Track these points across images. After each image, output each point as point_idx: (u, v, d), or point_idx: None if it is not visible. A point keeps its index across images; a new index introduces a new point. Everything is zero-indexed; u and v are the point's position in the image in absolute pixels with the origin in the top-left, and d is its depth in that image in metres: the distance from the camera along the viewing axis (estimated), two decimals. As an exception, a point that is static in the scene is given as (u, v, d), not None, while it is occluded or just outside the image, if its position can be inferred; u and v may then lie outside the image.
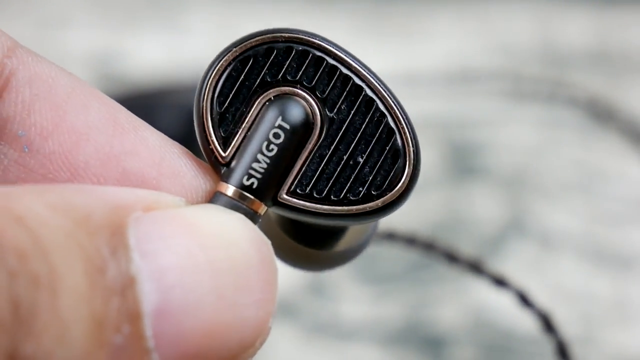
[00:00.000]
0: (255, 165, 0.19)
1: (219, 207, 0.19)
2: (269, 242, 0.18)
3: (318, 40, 0.20)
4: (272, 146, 0.19)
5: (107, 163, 0.19)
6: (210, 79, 0.20)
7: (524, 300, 0.28)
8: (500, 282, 0.29)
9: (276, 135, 0.19)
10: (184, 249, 0.16)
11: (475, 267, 0.29)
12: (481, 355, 0.42)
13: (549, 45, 0.65)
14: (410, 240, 0.29)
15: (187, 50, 0.66)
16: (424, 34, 0.67)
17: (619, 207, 0.50)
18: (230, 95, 0.20)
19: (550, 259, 0.47)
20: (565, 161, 0.54)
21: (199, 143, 0.20)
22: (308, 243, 0.22)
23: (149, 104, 0.55)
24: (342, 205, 0.19)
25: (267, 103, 0.20)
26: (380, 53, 0.64)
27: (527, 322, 0.44)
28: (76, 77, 0.20)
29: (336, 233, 0.23)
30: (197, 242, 0.16)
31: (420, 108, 0.59)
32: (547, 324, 0.28)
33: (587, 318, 0.44)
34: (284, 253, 0.22)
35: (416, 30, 0.67)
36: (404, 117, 0.20)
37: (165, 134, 0.20)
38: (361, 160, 0.20)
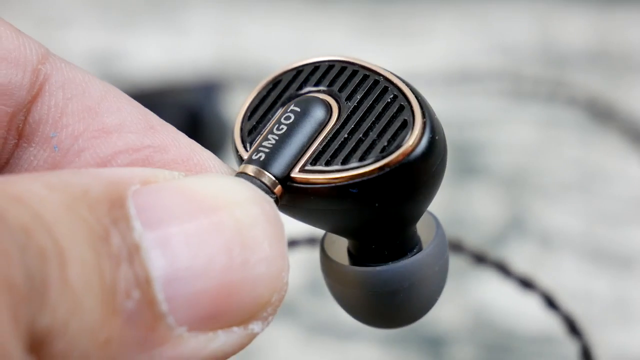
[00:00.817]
0: (264, 142, 0.20)
1: (217, 174, 0.19)
2: (271, 200, 0.18)
3: (343, 57, 0.21)
4: (282, 126, 0.20)
5: (135, 157, 0.19)
6: (246, 100, 0.22)
7: (550, 302, 0.28)
8: (526, 284, 0.28)
9: (287, 118, 0.20)
10: (186, 213, 0.16)
11: (502, 269, 0.29)
12: (481, 355, 0.42)
13: (549, 45, 0.65)
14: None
15: (187, 50, 0.66)
16: (424, 34, 0.67)
17: (619, 207, 0.50)
18: (259, 109, 0.21)
19: (550, 259, 0.47)
20: (565, 161, 0.54)
21: (234, 156, 0.21)
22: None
23: (149, 104, 0.55)
24: (351, 171, 0.19)
25: (288, 106, 0.21)
26: (380, 53, 0.64)
27: (527, 322, 0.44)
28: (108, 83, 0.20)
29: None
30: (199, 206, 0.16)
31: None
32: (573, 327, 0.28)
33: (587, 318, 0.44)
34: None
35: (416, 30, 0.67)
36: (417, 97, 0.20)
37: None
38: (371, 133, 0.20)
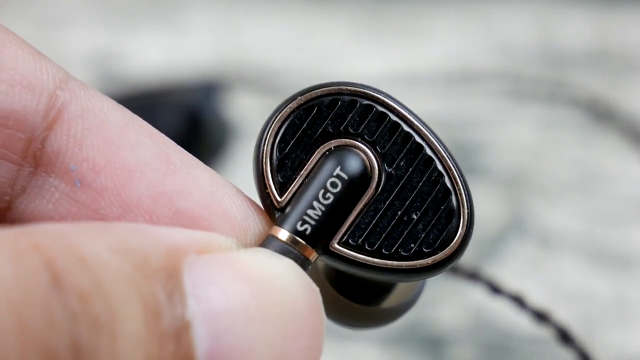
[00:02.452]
0: (310, 211, 0.19)
1: (270, 252, 0.19)
2: (317, 289, 0.18)
3: (382, 96, 0.20)
4: (328, 194, 0.20)
5: (159, 201, 0.19)
6: (273, 124, 0.20)
7: (565, 336, 0.28)
8: (542, 316, 0.29)
9: (333, 185, 0.20)
10: (236, 294, 0.16)
11: (519, 301, 0.29)
12: (481, 355, 0.42)
13: (549, 45, 0.65)
14: None
15: (187, 50, 0.66)
16: (424, 34, 0.67)
17: (619, 207, 0.50)
18: (292, 142, 0.20)
19: (550, 259, 0.47)
20: (565, 161, 0.54)
21: (256, 187, 0.20)
22: (355, 298, 0.22)
23: (149, 104, 0.55)
24: (393, 260, 0.20)
25: (327, 152, 0.20)
26: (380, 53, 0.64)
27: (527, 322, 0.44)
28: (128, 112, 0.20)
29: (384, 289, 0.23)
30: (249, 288, 0.16)
31: (420, 108, 0.59)
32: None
33: (587, 318, 0.44)
34: (328, 307, 0.22)
35: (416, 30, 0.67)
36: (461, 178, 0.20)
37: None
38: (415, 217, 0.20)
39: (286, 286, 0.17)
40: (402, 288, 0.23)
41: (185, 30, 0.68)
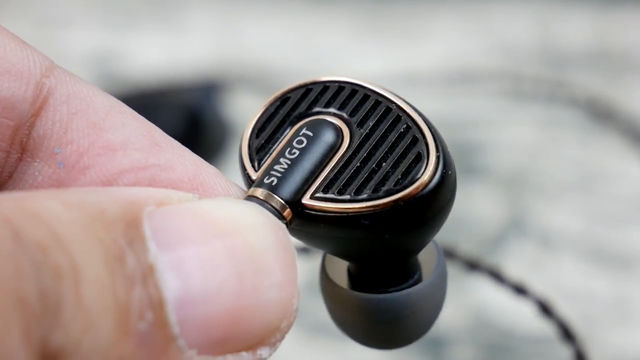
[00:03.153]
0: (276, 167, 0.20)
1: (231, 198, 0.19)
2: (284, 226, 0.18)
3: (353, 79, 0.21)
4: (294, 150, 0.20)
5: (140, 175, 0.19)
6: (254, 116, 0.21)
7: (545, 308, 0.28)
8: (520, 290, 0.28)
9: (299, 142, 0.20)
10: (200, 236, 0.16)
11: (496, 275, 0.29)
12: (481, 355, 0.42)
13: (549, 45, 0.65)
14: None
15: (187, 50, 0.66)
16: (424, 34, 0.67)
17: (619, 207, 0.50)
18: (267, 127, 0.21)
19: (550, 259, 0.47)
20: (565, 161, 0.54)
21: (240, 173, 0.21)
22: (374, 285, 0.22)
23: (149, 104, 0.55)
24: (364, 202, 0.19)
25: (299, 128, 0.20)
26: (380, 53, 0.64)
27: (526, 322, 0.44)
28: (113, 97, 0.20)
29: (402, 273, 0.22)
30: (212, 230, 0.16)
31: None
32: (567, 333, 0.28)
33: (587, 318, 0.44)
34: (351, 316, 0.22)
35: (416, 30, 0.67)
36: (430, 129, 0.20)
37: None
38: (385, 165, 0.20)
39: (251, 223, 0.17)
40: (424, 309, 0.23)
41: (185, 30, 0.68)
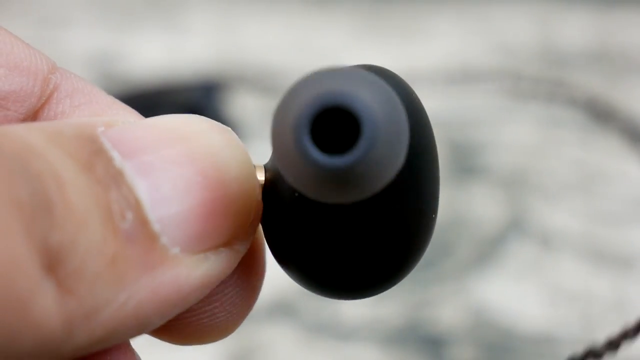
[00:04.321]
0: None
1: (172, 114, 0.20)
2: (230, 129, 0.19)
3: None
4: None
5: None
6: None
7: None
8: None
9: None
10: (158, 143, 0.17)
11: None
12: (481, 355, 0.42)
13: (549, 45, 0.65)
14: None
15: (187, 50, 0.66)
16: (424, 34, 0.67)
17: (619, 207, 0.50)
18: None
19: (550, 259, 0.47)
20: (565, 161, 0.54)
21: None
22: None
23: (149, 104, 0.55)
24: None
25: None
26: (380, 53, 0.64)
27: (527, 322, 0.44)
28: (114, 97, 0.21)
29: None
30: (168, 136, 0.17)
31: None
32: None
33: (587, 318, 0.44)
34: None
35: (416, 30, 0.67)
36: None
37: None
38: None
39: (200, 128, 0.18)
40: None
41: (185, 30, 0.68)
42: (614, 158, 0.54)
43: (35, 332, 0.14)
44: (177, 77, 0.61)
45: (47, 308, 0.14)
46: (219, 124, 0.19)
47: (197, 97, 0.57)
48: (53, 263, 0.15)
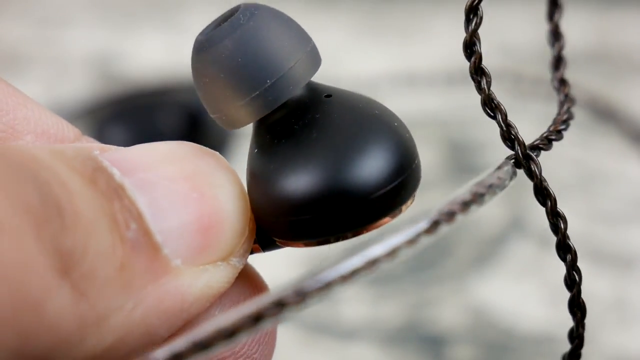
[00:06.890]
0: None
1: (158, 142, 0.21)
2: (217, 153, 0.20)
3: None
4: None
5: None
6: None
7: None
8: None
9: None
10: (154, 163, 0.18)
11: None
12: (481, 355, 0.42)
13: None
14: None
15: (187, 50, 0.66)
16: (424, 34, 0.67)
17: (619, 207, 0.50)
18: None
19: (550, 259, 0.47)
20: (565, 161, 0.54)
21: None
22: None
23: (149, 104, 0.55)
24: None
25: None
26: (380, 53, 0.64)
27: (527, 322, 0.44)
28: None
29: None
30: (160, 159, 0.18)
31: (420, 107, 0.59)
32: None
33: (587, 318, 0.44)
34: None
35: (416, 30, 0.67)
36: None
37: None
38: None
39: (191, 152, 0.19)
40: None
41: (185, 30, 0.68)
42: (614, 158, 0.54)
43: (50, 332, 0.14)
44: (177, 77, 0.61)
45: (62, 309, 0.15)
46: (209, 149, 0.19)
47: (197, 97, 0.57)
48: (66, 266, 0.15)
